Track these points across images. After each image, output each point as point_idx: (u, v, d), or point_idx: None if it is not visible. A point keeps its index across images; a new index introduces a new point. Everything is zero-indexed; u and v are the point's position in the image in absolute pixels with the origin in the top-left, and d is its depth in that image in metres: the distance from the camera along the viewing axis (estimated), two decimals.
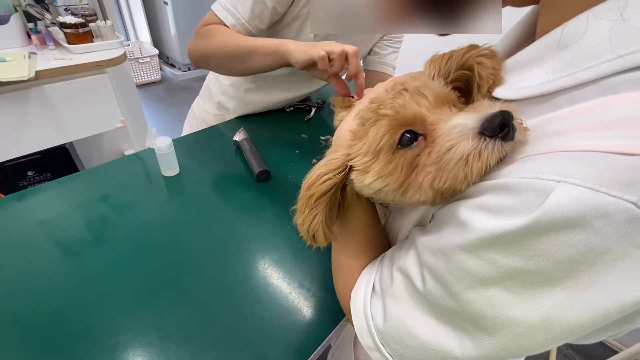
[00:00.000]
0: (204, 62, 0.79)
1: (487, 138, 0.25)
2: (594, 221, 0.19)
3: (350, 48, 0.60)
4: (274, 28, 0.80)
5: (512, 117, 0.25)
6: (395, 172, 0.29)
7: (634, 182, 0.19)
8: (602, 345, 1.44)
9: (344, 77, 0.67)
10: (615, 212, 0.19)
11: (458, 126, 0.26)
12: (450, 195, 0.28)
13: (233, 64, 0.75)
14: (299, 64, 0.64)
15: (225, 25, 0.74)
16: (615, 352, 1.17)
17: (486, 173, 0.26)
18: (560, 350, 1.45)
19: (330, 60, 0.60)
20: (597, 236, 0.20)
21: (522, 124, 0.27)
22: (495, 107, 0.27)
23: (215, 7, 0.75)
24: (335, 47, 0.60)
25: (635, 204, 0.19)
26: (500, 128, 0.25)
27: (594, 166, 0.20)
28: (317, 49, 0.60)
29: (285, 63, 0.67)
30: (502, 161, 0.26)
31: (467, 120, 0.26)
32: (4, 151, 1.21)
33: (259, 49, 0.68)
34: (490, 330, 0.25)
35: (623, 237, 0.19)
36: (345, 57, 0.60)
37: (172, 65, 3.71)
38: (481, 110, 0.27)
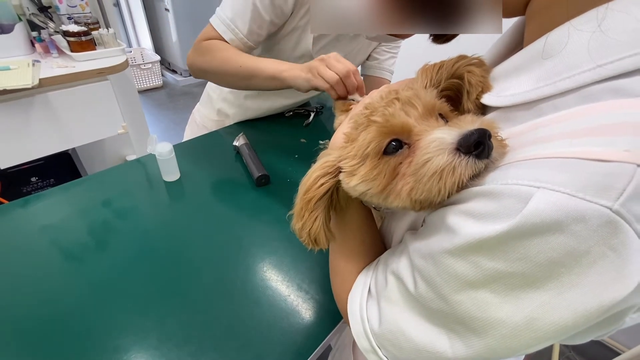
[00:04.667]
0: (203, 75, 0.82)
1: (462, 154, 0.26)
2: (572, 225, 0.20)
3: (342, 71, 0.60)
4: (272, 39, 0.81)
5: (489, 135, 0.25)
6: (379, 178, 0.30)
7: (609, 187, 0.20)
8: (604, 347, 1.44)
9: None
10: (591, 216, 0.20)
11: (436, 140, 0.27)
12: (428, 205, 0.29)
13: (234, 82, 0.78)
14: (302, 90, 0.67)
15: (224, 40, 0.75)
16: (617, 354, 1.17)
17: (460, 188, 0.27)
18: (562, 352, 1.45)
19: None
20: (575, 239, 0.20)
21: (501, 139, 0.27)
22: (476, 124, 0.27)
23: (214, 21, 0.76)
24: (331, 75, 0.60)
25: (610, 209, 0.19)
26: (476, 146, 0.25)
27: (571, 172, 0.21)
28: (319, 80, 0.62)
29: (287, 86, 0.69)
30: (475, 177, 0.27)
31: (446, 135, 0.27)
32: (8, 158, 1.23)
33: (260, 72, 0.71)
34: (478, 331, 0.26)
35: (600, 240, 0.20)
36: (342, 83, 0.61)
37: (174, 71, 3.74)
38: (463, 125, 0.28)
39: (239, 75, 0.74)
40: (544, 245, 0.21)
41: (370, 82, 1.03)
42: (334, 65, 0.61)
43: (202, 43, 0.77)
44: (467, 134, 0.26)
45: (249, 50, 0.78)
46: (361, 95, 0.62)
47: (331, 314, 0.53)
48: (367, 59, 1.01)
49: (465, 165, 0.26)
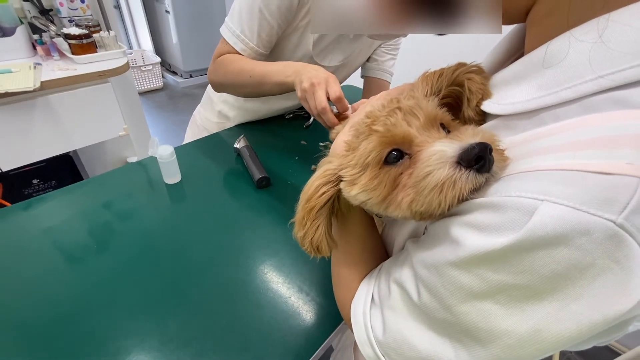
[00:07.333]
0: (223, 89, 0.87)
1: (462, 168, 0.26)
2: (576, 238, 0.20)
3: (318, 107, 0.61)
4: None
5: (490, 149, 0.25)
6: (379, 187, 0.30)
7: (613, 200, 0.20)
8: (604, 347, 1.44)
9: None
10: (595, 229, 0.20)
11: (437, 153, 0.27)
12: (429, 217, 0.30)
13: (248, 92, 0.81)
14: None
15: (236, 51, 0.77)
16: (617, 354, 1.17)
17: (460, 201, 0.27)
18: (563, 353, 1.45)
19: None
20: (580, 252, 0.21)
21: (502, 152, 0.27)
22: (478, 137, 0.27)
23: (225, 34, 0.78)
24: (315, 101, 0.61)
25: (614, 222, 0.20)
26: (476, 160, 0.25)
27: (574, 185, 0.21)
28: (305, 104, 0.64)
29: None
30: (476, 191, 0.27)
31: (447, 147, 0.27)
32: (10, 160, 1.23)
33: (268, 80, 0.72)
34: (484, 341, 0.26)
35: (604, 254, 0.20)
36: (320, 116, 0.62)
37: (174, 73, 3.74)
38: (464, 137, 0.28)
39: (250, 85, 0.76)
40: (548, 258, 0.21)
41: (370, 84, 1.03)
42: (318, 97, 0.62)
43: (217, 59, 0.80)
44: (468, 148, 0.26)
45: (261, 57, 0.79)
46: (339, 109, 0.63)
47: (332, 316, 0.53)
48: (367, 60, 1.01)
49: (466, 179, 0.26)
